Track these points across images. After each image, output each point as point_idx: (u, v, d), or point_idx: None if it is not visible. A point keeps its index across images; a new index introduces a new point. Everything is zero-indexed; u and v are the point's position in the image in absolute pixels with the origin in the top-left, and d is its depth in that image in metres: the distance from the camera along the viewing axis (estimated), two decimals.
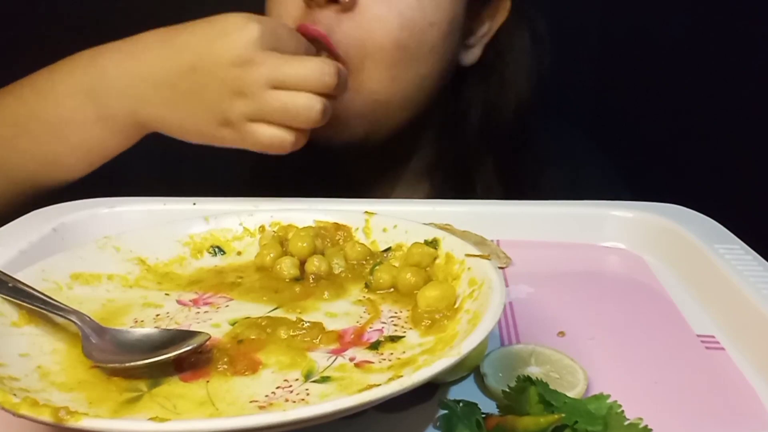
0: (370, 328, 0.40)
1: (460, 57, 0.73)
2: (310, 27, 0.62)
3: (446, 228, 0.54)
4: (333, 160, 0.75)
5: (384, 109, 0.67)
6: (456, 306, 0.39)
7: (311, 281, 0.45)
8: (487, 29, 0.73)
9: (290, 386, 0.34)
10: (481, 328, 0.33)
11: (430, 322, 0.39)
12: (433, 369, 0.30)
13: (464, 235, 0.53)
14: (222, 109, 0.57)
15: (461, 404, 0.35)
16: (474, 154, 0.76)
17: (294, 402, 0.33)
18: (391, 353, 0.37)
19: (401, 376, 0.30)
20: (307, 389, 0.34)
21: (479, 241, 0.55)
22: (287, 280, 0.45)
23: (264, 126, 0.57)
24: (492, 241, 0.56)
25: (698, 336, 0.45)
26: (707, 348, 0.44)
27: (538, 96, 0.76)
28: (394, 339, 0.38)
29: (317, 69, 0.56)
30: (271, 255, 0.46)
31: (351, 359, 0.36)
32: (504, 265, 0.54)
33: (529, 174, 0.77)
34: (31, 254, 0.50)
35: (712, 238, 0.53)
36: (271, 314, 0.41)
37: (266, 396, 0.33)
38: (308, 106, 0.56)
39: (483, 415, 0.34)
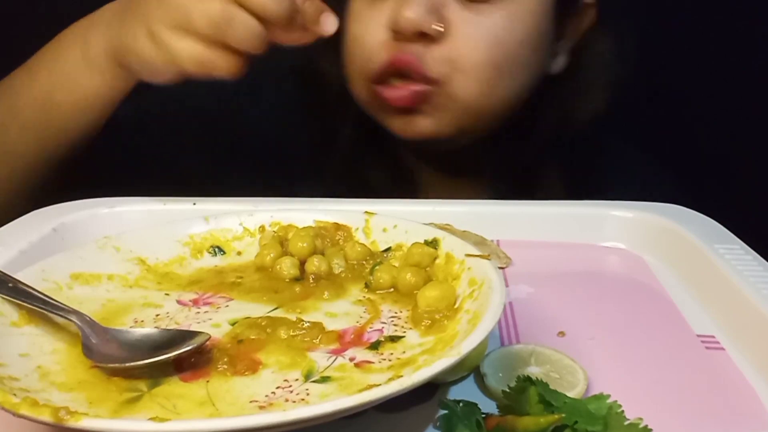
0: (370, 328, 0.40)
1: (548, 66, 0.72)
2: (402, 57, 0.63)
3: (446, 228, 0.54)
4: (403, 158, 0.75)
5: (474, 118, 0.67)
6: (456, 306, 0.39)
7: (311, 281, 0.45)
8: (572, 36, 0.72)
9: (290, 386, 0.34)
10: (481, 328, 0.33)
11: (430, 322, 0.39)
12: (433, 369, 0.30)
13: (464, 235, 0.54)
14: (145, 14, 0.53)
15: (461, 404, 0.35)
16: (540, 162, 0.76)
17: (294, 402, 0.33)
18: (391, 353, 0.37)
19: (401, 376, 0.30)
20: (307, 389, 0.34)
21: (479, 241, 0.55)
22: (287, 280, 0.45)
23: (188, 39, 0.52)
24: (492, 241, 0.56)
25: (698, 336, 0.45)
26: (707, 348, 0.44)
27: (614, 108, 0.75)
28: (394, 339, 0.38)
29: None
30: (271, 255, 0.46)
31: (351, 359, 0.36)
32: (504, 265, 0.54)
33: (593, 187, 0.76)
34: (31, 254, 0.50)
35: (712, 238, 0.53)
36: (271, 314, 0.41)
37: (266, 396, 0.33)
38: (247, 24, 0.51)
39: (483, 415, 0.34)
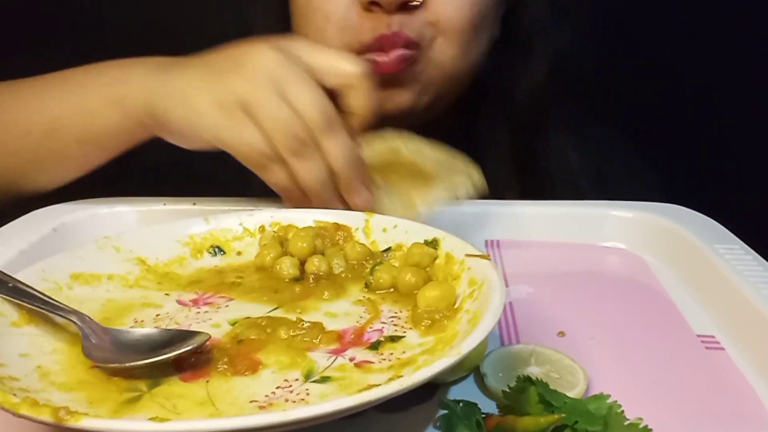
0: (370, 328, 0.40)
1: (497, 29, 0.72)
2: (387, 34, 0.61)
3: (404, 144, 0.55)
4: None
5: (449, 82, 0.67)
6: (456, 306, 0.39)
7: (311, 281, 0.45)
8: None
9: (290, 386, 0.34)
10: (481, 328, 0.33)
11: (430, 322, 0.39)
12: (433, 369, 0.30)
13: (433, 153, 0.54)
14: (221, 80, 0.50)
15: (461, 404, 0.35)
16: (489, 130, 0.75)
17: (294, 402, 0.33)
18: (391, 353, 0.37)
19: (401, 376, 0.30)
20: (307, 389, 0.34)
21: (447, 159, 0.54)
22: (287, 280, 0.45)
23: (250, 124, 0.48)
24: (463, 161, 0.55)
25: (698, 336, 0.45)
26: (707, 348, 0.44)
27: (561, 77, 0.75)
28: (394, 339, 0.38)
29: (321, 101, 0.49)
30: (271, 255, 0.46)
31: (351, 359, 0.36)
32: (477, 190, 0.53)
33: (543, 157, 0.75)
34: (31, 254, 0.50)
35: (712, 238, 0.53)
36: (271, 314, 0.41)
37: (266, 396, 0.33)
38: (319, 167, 0.49)
39: (483, 415, 0.34)
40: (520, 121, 0.75)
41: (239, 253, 0.48)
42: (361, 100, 0.51)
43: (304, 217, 0.50)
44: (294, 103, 0.48)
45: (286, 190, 0.51)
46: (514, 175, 0.74)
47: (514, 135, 0.75)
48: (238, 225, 0.49)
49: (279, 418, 0.27)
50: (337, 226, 0.49)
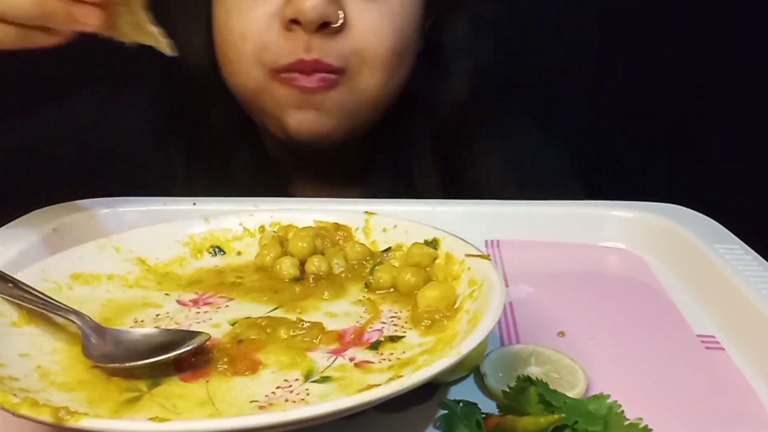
0: (370, 328, 0.40)
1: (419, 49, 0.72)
2: (307, 59, 0.61)
3: None
4: (273, 156, 0.74)
5: (370, 109, 0.67)
6: (456, 306, 0.39)
7: (311, 281, 0.45)
8: (430, 16, 0.72)
9: (290, 386, 0.34)
10: (481, 328, 0.33)
11: (430, 322, 0.39)
12: (433, 369, 0.30)
13: None
14: None
15: (461, 404, 0.35)
16: (414, 143, 0.75)
17: (294, 402, 0.33)
18: (391, 353, 0.37)
19: (401, 376, 0.30)
20: (307, 389, 0.34)
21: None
22: (287, 280, 0.45)
23: None
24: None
25: (698, 336, 0.45)
26: (707, 348, 0.44)
27: (489, 88, 0.75)
28: (394, 339, 0.38)
29: None
30: (271, 255, 0.46)
31: (351, 359, 0.36)
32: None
33: (468, 164, 0.76)
34: (31, 254, 0.50)
35: (712, 238, 0.53)
36: (271, 314, 0.41)
37: (266, 396, 0.33)
38: None
39: (483, 415, 0.34)
40: (444, 134, 0.75)
41: (239, 253, 0.48)
42: None
43: (304, 217, 0.50)
44: None
45: None
46: (441, 187, 0.74)
47: (437, 147, 0.75)
48: (238, 225, 0.49)
49: (279, 418, 0.27)
50: (337, 226, 0.49)
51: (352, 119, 0.67)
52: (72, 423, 0.27)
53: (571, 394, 0.36)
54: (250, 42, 0.63)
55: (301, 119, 0.64)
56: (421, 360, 0.35)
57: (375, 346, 0.38)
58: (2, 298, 0.37)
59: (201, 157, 0.73)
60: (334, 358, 0.36)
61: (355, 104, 0.66)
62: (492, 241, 0.58)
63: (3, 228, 0.54)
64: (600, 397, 0.35)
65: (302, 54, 0.61)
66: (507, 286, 0.51)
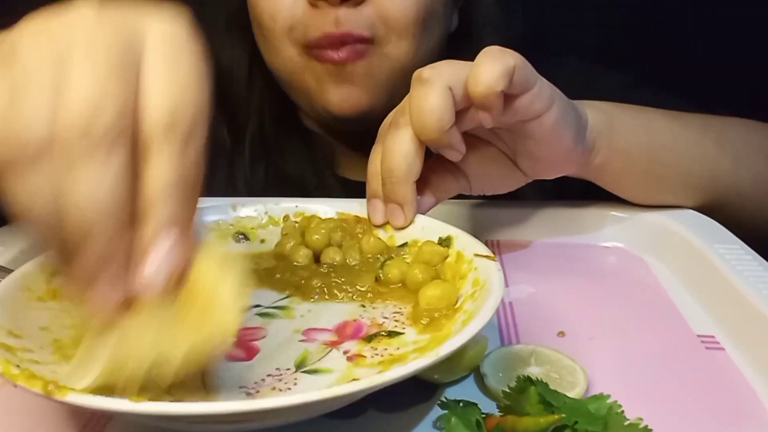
0: (372, 322, 0.40)
1: (449, 23, 0.73)
2: (335, 33, 0.62)
3: None
4: (318, 141, 0.75)
5: (403, 77, 0.67)
6: (456, 306, 0.39)
7: (325, 271, 0.45)
8: None
9: (280, 375, 0.35)
10: (465, 332, 0.32)
11: (428, 320, 0.39)
12: (408, 368, 0.30)
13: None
14: None
15: (461, 404, 0.35)
16: None
17: (281, 390, 0.33)
18: (386, 349, 0.37)
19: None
20: (295, 379, 0.34)
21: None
22: (301, 269, 0.45)
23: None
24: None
25: (698, 336, 0.45)
26: (707, 348, 0.44)
27: None
28: (392, 335, 0.38)
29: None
30: (291, 244, 0.47)
31: (345, 352, 0.37)
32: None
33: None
34: (31, 254, 0.50)
35: (712, 238, 0.53)
36: (283, 302, 0.42)
37: (255, 383, 0.34)
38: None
39: (483, 415, 0.34)
40: None
41: (263, 241, 0.49)
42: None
43: (327, 209, 0.50)
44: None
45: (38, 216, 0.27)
46: None
47: None
48: (263, 213, 0.50)
49: (243, 407, 0.27)
50: (358, 219, 0.49)
51: (389, 92, 0.67)
52: (58, 397, 0.28)
53: (571, 394, 0.36)
54: (279, 21, 0.65)
55: (343, 96, 0.66)
56: (411, 357, 0.36)
57: (369, 339, 0.38)
58: (35, 275, 0.38)
59: (245, 144, 0.74)
60: (329, 349, 0.37)
61: (386, 73, 0.66)
62: (492, 241, 0.58)
63: (3, 228, 0.54)
64: (600, 397, 0.35)
65: (331, 28, 0.62)
66: (507, 286, 0.51)
